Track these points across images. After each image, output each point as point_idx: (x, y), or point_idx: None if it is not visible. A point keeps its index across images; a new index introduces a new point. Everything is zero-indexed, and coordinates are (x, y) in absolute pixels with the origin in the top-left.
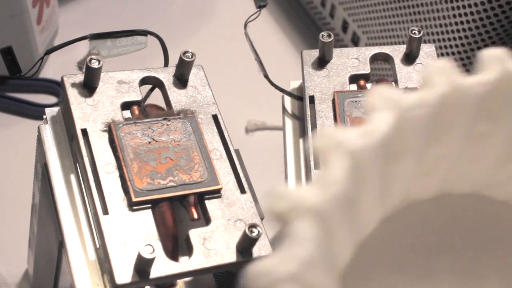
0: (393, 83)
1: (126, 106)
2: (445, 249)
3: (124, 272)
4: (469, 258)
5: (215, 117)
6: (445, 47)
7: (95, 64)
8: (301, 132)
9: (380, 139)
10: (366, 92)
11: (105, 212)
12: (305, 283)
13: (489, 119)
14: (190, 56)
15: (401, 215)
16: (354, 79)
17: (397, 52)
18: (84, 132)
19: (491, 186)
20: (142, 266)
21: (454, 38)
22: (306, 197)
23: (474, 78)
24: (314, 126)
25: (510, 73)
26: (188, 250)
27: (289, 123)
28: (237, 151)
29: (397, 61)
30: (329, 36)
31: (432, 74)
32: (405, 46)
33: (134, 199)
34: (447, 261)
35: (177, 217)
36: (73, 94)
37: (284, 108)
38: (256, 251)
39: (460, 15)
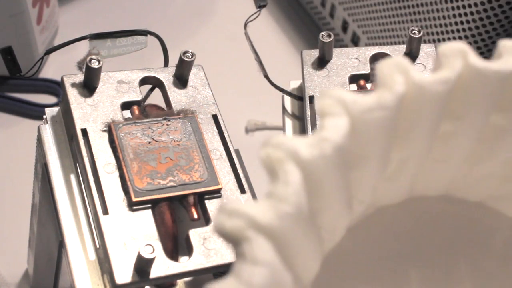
0: None
1: (126, 106)
2: (416, 256)
3: (124, 272)
4: (442, 264)
5: (215, 117)
6: None
7: (95, 64)
8: (301, 132)
9: (334, 147)
10: (366, 92)
11: (105, 212)
12: None
13: (454, 118)
14: (190, 56)
15: (370, 221)
16: (354, 79)
17: (397, 52)
18: (84, 132)
19: (462, 187)
20: (142, 266)
21: (454, 38)
22: (258, 215)
23: (434, 76)
24: (314, 126)
25: (472, 67)
26: (188, 250)
27: (289, 123)
28: (237, 151)
29: None
30: (329, 36)
31: (388, 73)
32: (405, 46)
33: (134, 199)
34: (418, 270)
35: (177, 217)
36: (73, 94)
37: (284, 108)
38: None
39: (460, 15)
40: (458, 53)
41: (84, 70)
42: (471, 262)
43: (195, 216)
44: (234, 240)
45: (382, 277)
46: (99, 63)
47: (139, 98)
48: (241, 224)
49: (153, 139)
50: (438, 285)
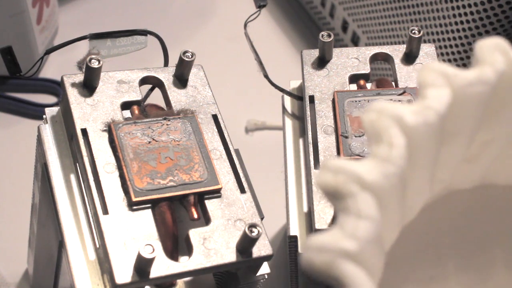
0: (393, 83)
1: (126, 106)
2: (495, 241)
3: (124, 272)
4: None
5: (215, 117)
6: (445, 47)
7: (95, 64)
8: (301, 132)
9: (436, 117)
10: (366, 92)
11: (105, 212)
12: (362, 262)
13: None
14: (190, 56)
15: (442, 203)
16: (354, 79)
17: (397, 52)
18: (84, 132)
19: None
20: (142, 266)
21: (454, 38)
22: (364, 172)
23: None
24: (314, 126)
25: None
26: (188, 250)
27: (289, 123)
28: (237, 151)
29: (397, 61)
30: (329, 36)
31: (488, 51)
32: (405, 46)
33: (134, 199)
34: (500, 253)
35: (177, 217)
36: (73, 94)
37: (284, 108)
38: (256, 250)
39: (460, 15)
40: None
41: (84, 70)
42: None
43: (195, 216)
44: (337, 195)
45: (461, 258)
46: (99, 63)
47: (139, 98)
48: (346, 180)
49: (153, 139)
50: None
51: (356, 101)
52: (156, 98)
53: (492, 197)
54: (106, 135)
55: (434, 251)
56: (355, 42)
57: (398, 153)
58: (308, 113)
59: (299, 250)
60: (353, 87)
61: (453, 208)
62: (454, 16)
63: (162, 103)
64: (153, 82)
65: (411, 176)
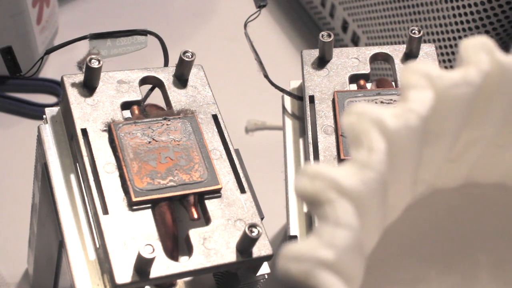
0: (393, 83)
1: (126, 106)
2: (478, 243)
3: (124, 272)
4: (505, 251)
5: (215, 117)
6: (445, 47)
7: (95, 64)
8: (301, 132)
9: (418, 120)
10: (366, 92)
11: (105, 212)
12: (340, 271)
13: None
14: (190, 56)
15: (425, 203)
16: (354, 79)
17: (397, 52)
18: (84, 132)
19: None
20: (142, 266)
21: (454, 38)
22: (342, 178)
23: None
24: (314, 126)
25: None
26: (188, 250)
27: (289, 123)
28: (237, 151)
29: (397, 61)
30: (329, 36)
31: (473, 51)
32: (405, 46)
33: (134, 199)
34: (484, 258)
35: (177, 217)
36: (73, 94)
37: (284, 108)
38: (256, 251)
39: (460, 15)
40: None
41: (84, 70)
42: None
43: (195, 216)
44: (315, 202)
45: (443, 258)
46: (99, 63)
47: (139, 98)
48: (324, 186)
49: (153, 139)
50: (506, 269)
51: (356, 101)
52: (156, 98)
53: (476, 195)
54: (106, 135)
55: (417, 252)
56: (355, 42)
57: (378, 158)
58: (308, 113)
59: None
60: (353, 87)
61: (436, 207)
62: (454, 16)
63: (162, 103)
64: (153, 82)
65: (392, 179)
